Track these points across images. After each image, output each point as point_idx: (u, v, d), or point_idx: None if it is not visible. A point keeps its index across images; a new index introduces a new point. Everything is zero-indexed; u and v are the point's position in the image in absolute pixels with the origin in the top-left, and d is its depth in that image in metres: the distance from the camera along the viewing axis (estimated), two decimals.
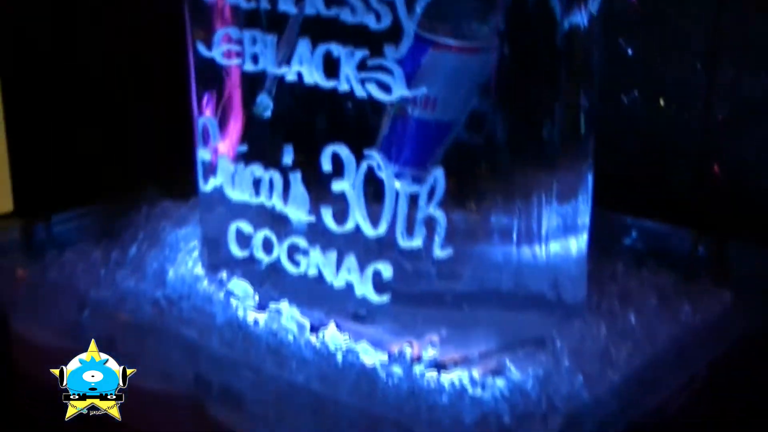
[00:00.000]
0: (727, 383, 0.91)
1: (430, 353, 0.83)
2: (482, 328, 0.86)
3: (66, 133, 1.20)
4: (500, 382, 0.81)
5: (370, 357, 0.84)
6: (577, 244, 0.90)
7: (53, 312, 0.94)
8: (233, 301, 0.92)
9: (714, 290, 0.96)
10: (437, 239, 0.81)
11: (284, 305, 0.89)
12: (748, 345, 0.92)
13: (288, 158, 0.88)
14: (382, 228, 0.83)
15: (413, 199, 0.82)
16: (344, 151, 0.84)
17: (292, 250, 0.89)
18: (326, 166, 0.85)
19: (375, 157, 0.82)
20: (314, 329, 0.87)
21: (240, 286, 0.93)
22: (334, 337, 0.86)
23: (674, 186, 1.10)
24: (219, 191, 0.93)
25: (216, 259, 0.96)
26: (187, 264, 0.99)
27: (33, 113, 1.18)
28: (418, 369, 0.82)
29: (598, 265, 1.00)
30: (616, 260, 1.01)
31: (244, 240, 0.92)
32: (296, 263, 0.89)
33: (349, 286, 0.86)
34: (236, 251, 0.93)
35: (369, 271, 0.85)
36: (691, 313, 0.92)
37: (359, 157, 0.83)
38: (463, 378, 0.82)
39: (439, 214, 0.81)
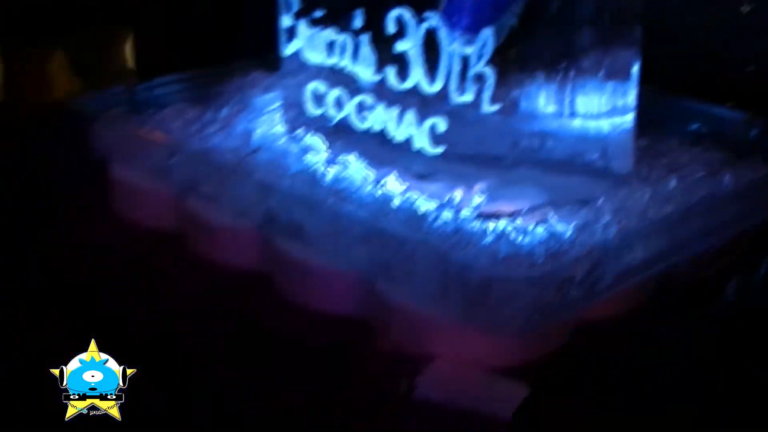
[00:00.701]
0: (760, 254, 0.96)
1: (477, 200, 0.90)
2: (532, 188, 0.92)
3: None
4: (540, 230, 0.88)
5: (424, 204, 0.91)
6: (624, 120, 0.95)
7: (147, 159, 1.04)
8: (307, 155, 1.00)
9: (758, 166, 1.01)
10: (486, 95, 0.88)
11: (352, 158, 0.98)
12: None
13: (358, 22, 0.96)
14: (438, 85, 0.91)
15: (465, 59, 0.89)
16: (407, 14, 0.91)
17: (360, 107, 0.97)
18: (391, 28, 0.92)
19: (434, 19, 0.90)
20: (377, 182, 0.95)
21: (314, 140, 1.01)
22: (393, 185, 0.94)
23: (734, 72, 1.15)
24: (298, 58, 1.02)
25: (295, 119, 1.04)
26: (270, 124, 1.07)
27: None
28: (465, 214, 0.89)
29: (654, 142, 1.05)
30: (672, 138, 1.07)
31: (319, 99, 1.01)
32: (363, 119, 0.97)
33: (409, 140, 0.94)
34: (312, 110, 1.01)
35: (426, 125, 0.93)
36: (732, 183, 0.97)
37: (420, 19, 0.91)
38: (507, 226, 0.88)
39: (488, 71, 0.88)
